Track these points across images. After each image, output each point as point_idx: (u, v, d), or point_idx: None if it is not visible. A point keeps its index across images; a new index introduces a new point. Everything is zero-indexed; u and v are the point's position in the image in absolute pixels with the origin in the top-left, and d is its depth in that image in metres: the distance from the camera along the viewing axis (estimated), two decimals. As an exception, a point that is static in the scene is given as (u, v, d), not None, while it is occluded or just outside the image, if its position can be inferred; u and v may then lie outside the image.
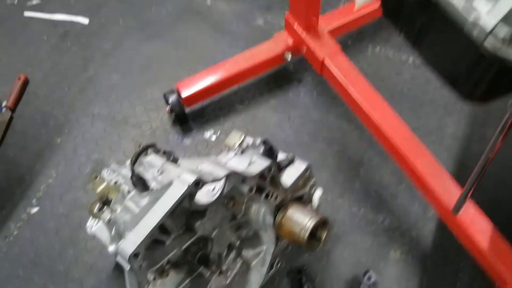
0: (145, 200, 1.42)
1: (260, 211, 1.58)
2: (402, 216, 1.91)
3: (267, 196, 1.49)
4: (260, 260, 1.66)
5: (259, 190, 1.47)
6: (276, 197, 1.53)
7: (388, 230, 1.89)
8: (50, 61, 2.45)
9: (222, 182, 1.34)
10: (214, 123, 2.22)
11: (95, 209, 1.44)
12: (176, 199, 1.19)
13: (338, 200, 1.96)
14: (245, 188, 1.43)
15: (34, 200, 2.00)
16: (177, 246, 1.37)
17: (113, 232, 1.53)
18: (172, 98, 2.10)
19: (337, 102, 2.16)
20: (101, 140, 2.19)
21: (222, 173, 1.30)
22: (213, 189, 1.36)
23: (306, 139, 2.13)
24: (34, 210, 1.99)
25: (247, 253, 1.67)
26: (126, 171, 1.68)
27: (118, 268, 1.83)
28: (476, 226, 1.55)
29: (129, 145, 2.16)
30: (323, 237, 1.57)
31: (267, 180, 1.47)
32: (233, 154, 1.57)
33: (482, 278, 1.62)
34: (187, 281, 1.49)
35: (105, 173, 1.62)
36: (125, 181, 1.53)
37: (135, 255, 1.13)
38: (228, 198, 1.50)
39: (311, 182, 1.67)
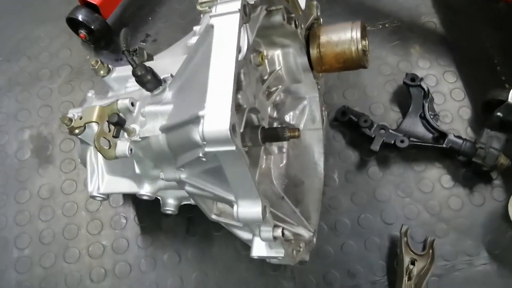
0: (167, 93, 1.00)
1: (288, 55, 1.25)
2: (400, 12, 1.70)
3: (296, 25, 1.15)
4: (309, 116, 1.36)
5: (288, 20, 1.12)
6: (301, 26, 1.20)
7: (395, 33, 1.68)
8: None
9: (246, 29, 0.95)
10: (144, 27, 1.77)
11: (106, 144, 0.99)
12: (236, 32, 0.80)
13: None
14: (276, 18, 1.07)
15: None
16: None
17: (137, 169, 1.10)
18: (84, 15, 1.58)
19: None
20: (21, 112, 1.63)
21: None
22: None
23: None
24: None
25: (290, 117, 1.36)
26: (97, 100, 1.22)
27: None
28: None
29: (59, 101, 1.63)
30: (367, 45, 1.30)
31: (289, 3, 1.12)
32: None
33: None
34: (257, 174, 1.15)
35: (73, 114, 1.14)
36: (112, 98, 1.09)
37: (233, 128, 0.75)
38: (253, 52, 1.15)
39: (315, 3, 1.35)
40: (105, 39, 1.67)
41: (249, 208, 0.86)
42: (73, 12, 1.59)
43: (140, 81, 0.98)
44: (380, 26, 1.69)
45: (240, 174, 0.82)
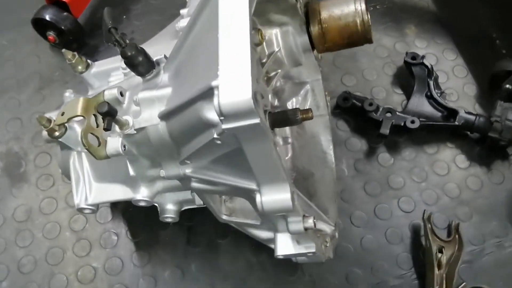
0: (162, 76, 0.87)
1: (287, 34, 1.14)
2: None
3: (296, -2, 1.04)
4: (313, 102, 1.25)
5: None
6: (300, 1, 1.09)
7: (387, 14, 1.60)
8: None
9: None
10: (118, 26, 1.59)
11: (95, 141, 0.84)
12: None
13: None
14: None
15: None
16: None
17: (131, 170, 0.95)
18: (52, 14, 1.43)
19: None
20: (-13, 129, 1.45)
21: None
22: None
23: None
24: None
25: (293, 104, 1.24)
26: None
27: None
28: None
29: (29, 112, 1.47)
30: (369, 18, 1.20)
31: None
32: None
33: None
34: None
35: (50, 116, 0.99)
36: (97, 91, 0.94)
37: (255, 97, 0.62)
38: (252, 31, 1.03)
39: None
40: (77, 41, 1.51)
41: (276, 195, 0.73)
42: (40, 12, 1.43)
43: (130, 63, 0.84)
44: (371, 8, 1.61)
45: (264, 154, 0.69)
